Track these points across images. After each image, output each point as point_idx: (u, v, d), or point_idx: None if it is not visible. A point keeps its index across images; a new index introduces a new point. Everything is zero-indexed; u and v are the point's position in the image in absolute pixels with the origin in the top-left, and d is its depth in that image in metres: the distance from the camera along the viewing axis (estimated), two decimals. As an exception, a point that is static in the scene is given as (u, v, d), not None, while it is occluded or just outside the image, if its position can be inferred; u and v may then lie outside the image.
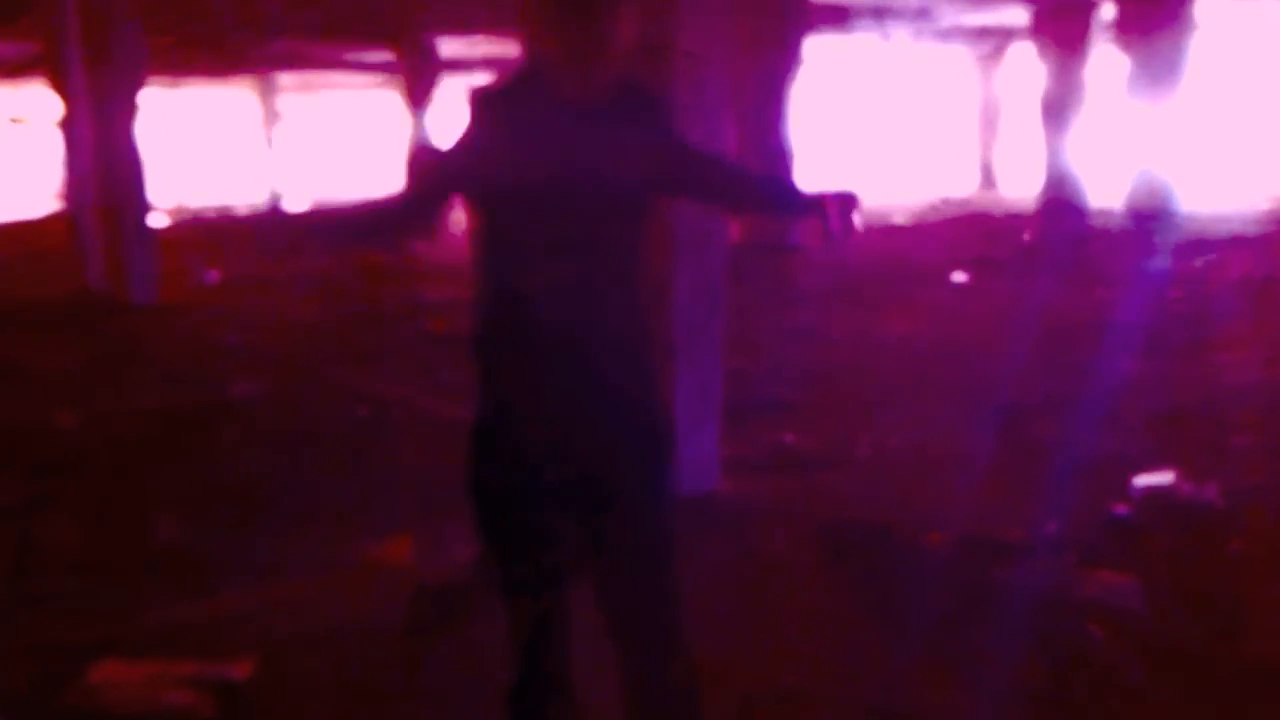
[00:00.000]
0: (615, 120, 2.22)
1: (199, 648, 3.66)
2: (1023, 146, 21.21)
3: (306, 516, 4.97)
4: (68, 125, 12.69)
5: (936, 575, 4.13)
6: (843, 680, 3.43)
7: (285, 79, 25.75)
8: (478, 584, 3.83)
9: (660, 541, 2.31)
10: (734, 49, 5.99)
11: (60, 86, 12.64)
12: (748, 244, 12.72)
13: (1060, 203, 14.91)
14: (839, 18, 16.04)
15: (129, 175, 11.37)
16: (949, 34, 20.09)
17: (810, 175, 16.15)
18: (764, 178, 2.76)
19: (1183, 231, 13.01)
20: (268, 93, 26.79)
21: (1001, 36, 21.19)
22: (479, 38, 17.91)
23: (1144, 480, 4.94)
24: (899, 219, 18.63)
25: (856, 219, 2.32)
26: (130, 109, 11.37)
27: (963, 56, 24.42)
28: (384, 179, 26.91)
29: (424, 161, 2.52)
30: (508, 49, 16.98)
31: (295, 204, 23.98)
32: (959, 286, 11.62)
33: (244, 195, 27.00)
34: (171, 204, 23.47)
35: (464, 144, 2.19)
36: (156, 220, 12.47)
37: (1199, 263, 11.67)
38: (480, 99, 2.21)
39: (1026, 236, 15.03)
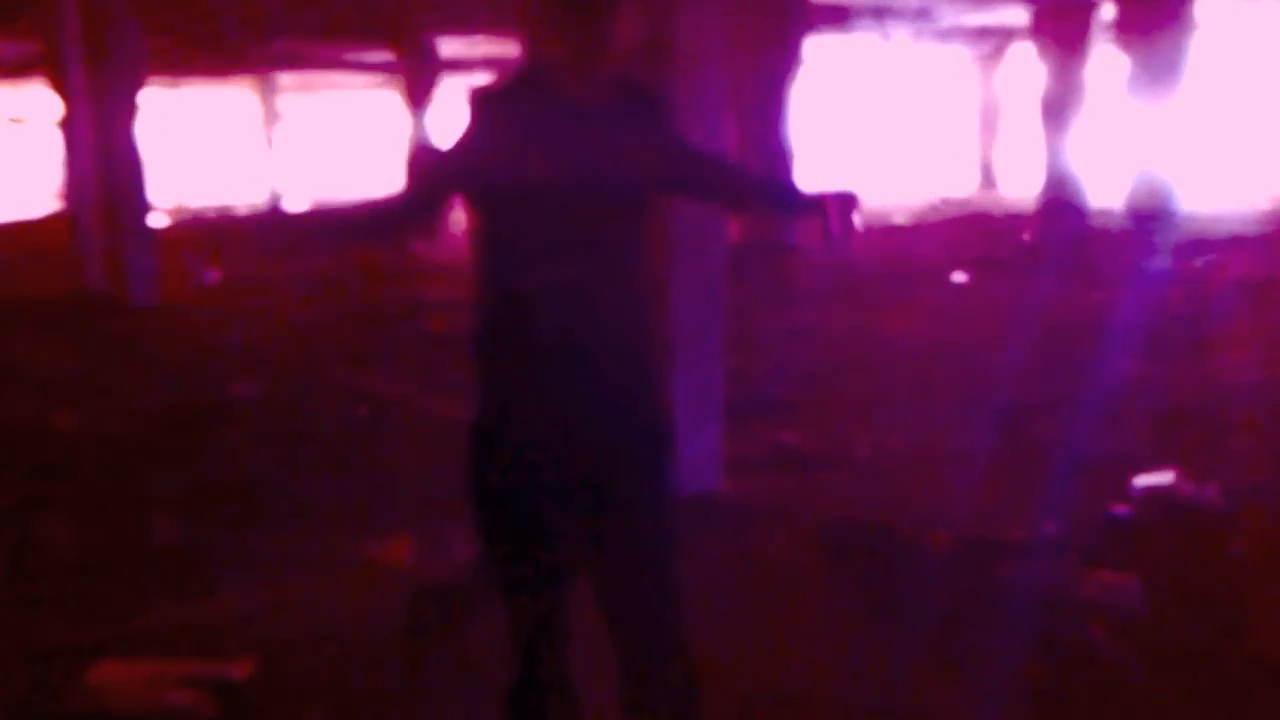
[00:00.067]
0: (615, 120, 2.22)
1: (199, 648, 3.66)
2: (1023, 146, 21.22)
3: (306, 516, 4.97)
4: (67, 125, 12.68)
5: (936, 575, 4.13)
6: (843, 680, 3.43)
7: (285, 79, 25.76)
8: (477, 584, 3.83)
9: (660, 541, 2.31)
10: (734, 49, 5.98)
11: (60, 86, 12.64)
12: (748, 244, 12.72)
13: (1060, 203, 14.91)
14: (839, 18, 16.04)
15: (129, 175, 11.37)
16: (949, 34, 20.10)
17: (810, 175, 16.15)
18: (764, 177, 2.77)
19: (1183, 232, 13.01)
20: (268, 93, 26.79)
21: (1001, 36, 21.19)
22: (479, 38, 17.92)
23: (1144, 480, 4.94)
24: (899, 219, 18.64)
25: (856, 219, 2.32)
26: (130, 109, 11.37)
27: (963, 56, 24.43)
28: (384, 179, 26.92)
29: (424, 161, 2.52)
30: (508, 49, 17.00)
31: (295, 204, 23.99)
32: (959, 286, 11.62)
33: (244, 195, 27.01)
34: (171, 204, 23.47)
35: (464, 144, 2.19)
36: (156, 220, 12.47)
37: (1199, 263, 11.67)
38: (480, 99, 2.21)
39: (1026, 236, 15.03)
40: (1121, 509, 4.68)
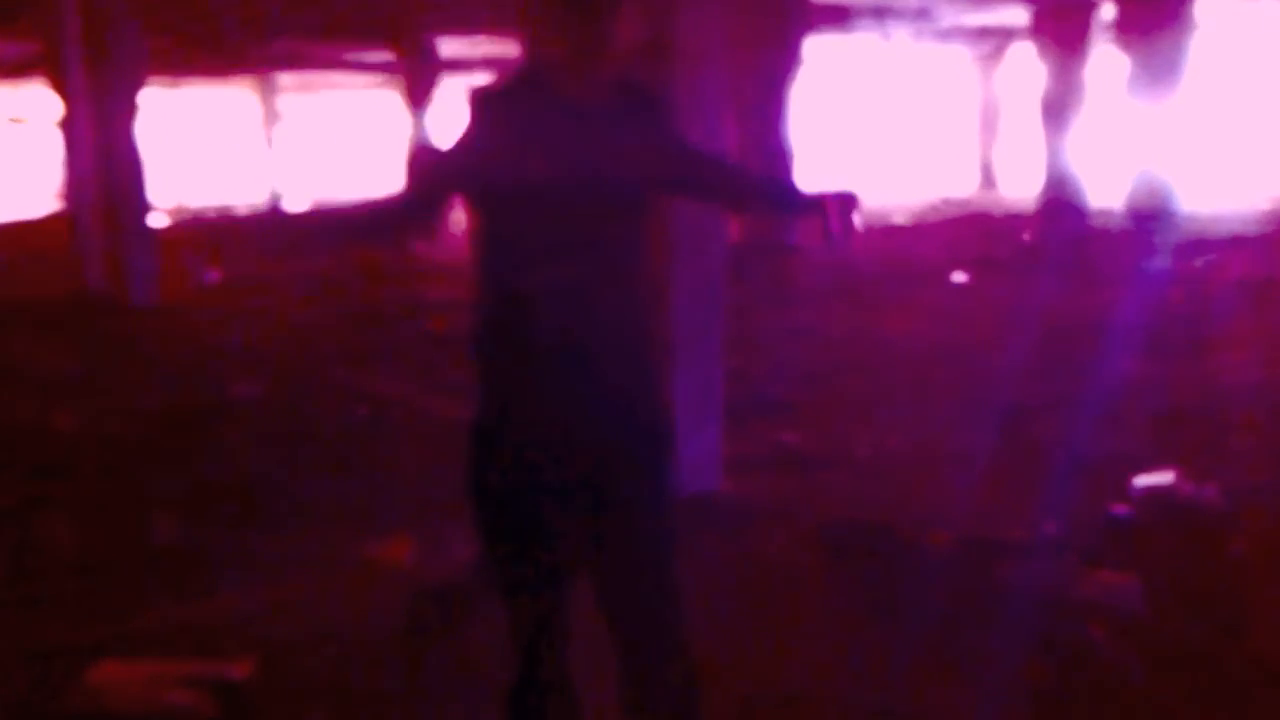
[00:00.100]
0: (615, 120, 2.22)
1: (199, 648, 3.66)
2: (1023, 147, 21.21)
3: (306, 516, 4.97)
4: (67, 125, 12.68)
5: (936, 575, 4.13)
6: (843, 680, 3.43)
7: (285, 79, 25.76)
8: (477, 584, 3.83)
9: (660, 541, 2.31)
10: (734, 49, 5.98)
11: (60, 86, 12.64)
12: (748, 244, 12.72)
13: (1060, 203, 14.91)
14: (839, 18, 16.04)
15: (129, 175, 11.37)
16: (949, 34, 20.09)
17: (810, 175, 16.15)
18: (764, 178, 2.77)
19: (1183, 232, 13.01)
20: (268, 93, 26.79)
21: (1001, 36, 21.19)
22: (479, 37, 17.92)
23: (1144, 480, 4.94)
24: (899, 219, 18.64)
25: (857, 219, 2.32)
26: (130, 109, 11.37)
27: (963, 56, 24.42)
28: (384, 178, 26.92)
29: (424, 162, 2.52)
30: (508, 49, 16.99)
31: (295, 204, 23.98)
32: (959, 286, 11.62)
33: (244, 195, 27.01)
34: (171, 204, 23.47)
35: (464, 144, 2.19)
36: (156, 220, 12.47)
37: (1199, 263, 11.67)
38: (480, 98, 2.21)
39: (1026, 237, 15.03)
40: (1121, 509, 4.68)
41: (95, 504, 5.21)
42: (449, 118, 21.42)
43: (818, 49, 18.31)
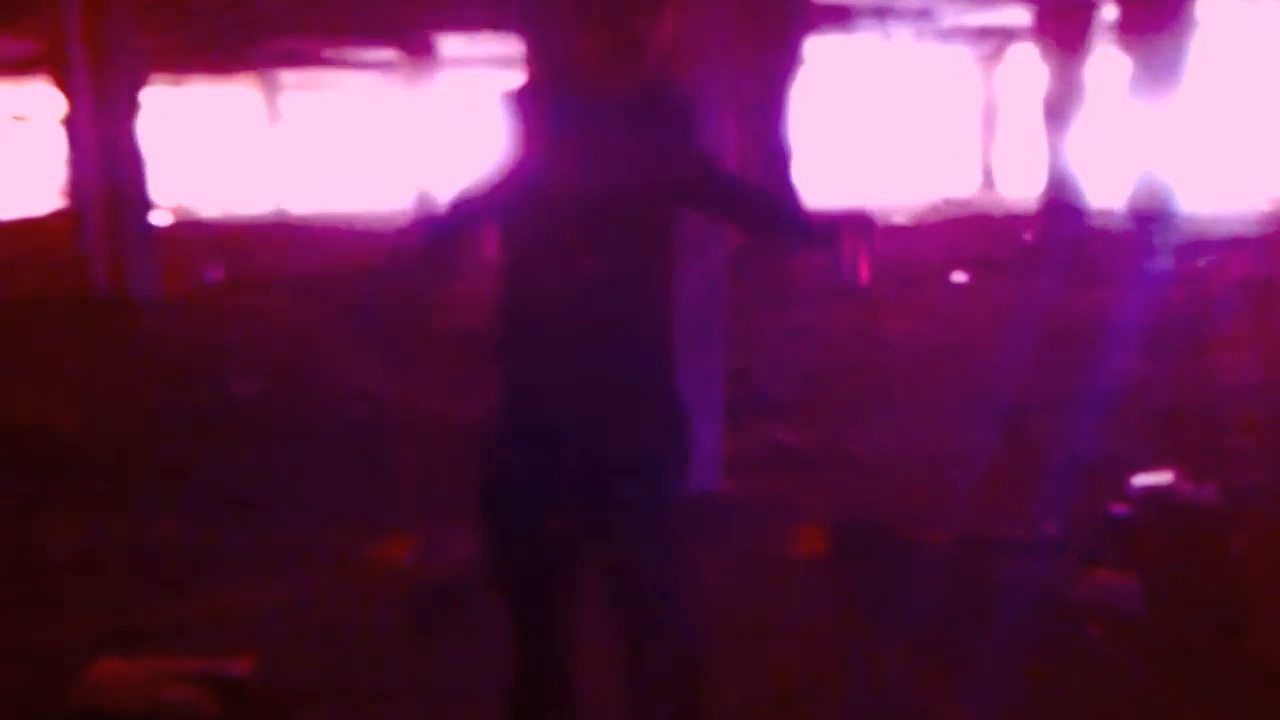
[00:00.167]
0: (643, 119, 2.20)
1: (199, 647, 3.66)
2: (1024, 147, 21.20)
3: (306, 516, 4.97)
4: (70, 123, 12.70)
5: (936, 575, 4.13)
6: (842, 680, 3.43)
7: (288, 77, 25.75)
8: (478, 583, 3.83)
9: (668, 544, 2.30)
10: (734, 48, 5.97)
11: (63, 84, 12.65)
12: (748, 244, 12.69)
13: (1061, 203, 14.91)
14: (840, 18, 16.04)
15: (131, 173, 11.38)
16: (950, 34, 20.09)
17: (810, 175, 16.13)
18: (780, 204, 2.73)
19: (1183, 232, 13.01)
20: (270, 91, 26.78)
21: (1003, 37, 21.18)
22: (481, 36, 17.92)
23: (1143, 480, 4.94)
24: (899, 219, 18.63)
25: (872, 245, 2.29)
26: (132, 107, 11.38)
27: (964, 57, 24.41)
28: (383, 178, 26.92)
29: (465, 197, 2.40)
30: (510, 47, 16.98)
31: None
32: (959, 286, 11.62)
33: (245, 194, 27.00)
34: (174, 202, 23.46)
35: (502, 151, 2.17)
36: (159, 218, 12.48)
37: (1200, 263, 11.67)
38: (509, 100, 2.20)
39: (1027, 237, 15.02)
40: (1121, 509, 4.68)
41: (96, 503, 5.21)
42: (450, 117, 21.46)
43: (818, 49, 18.30)
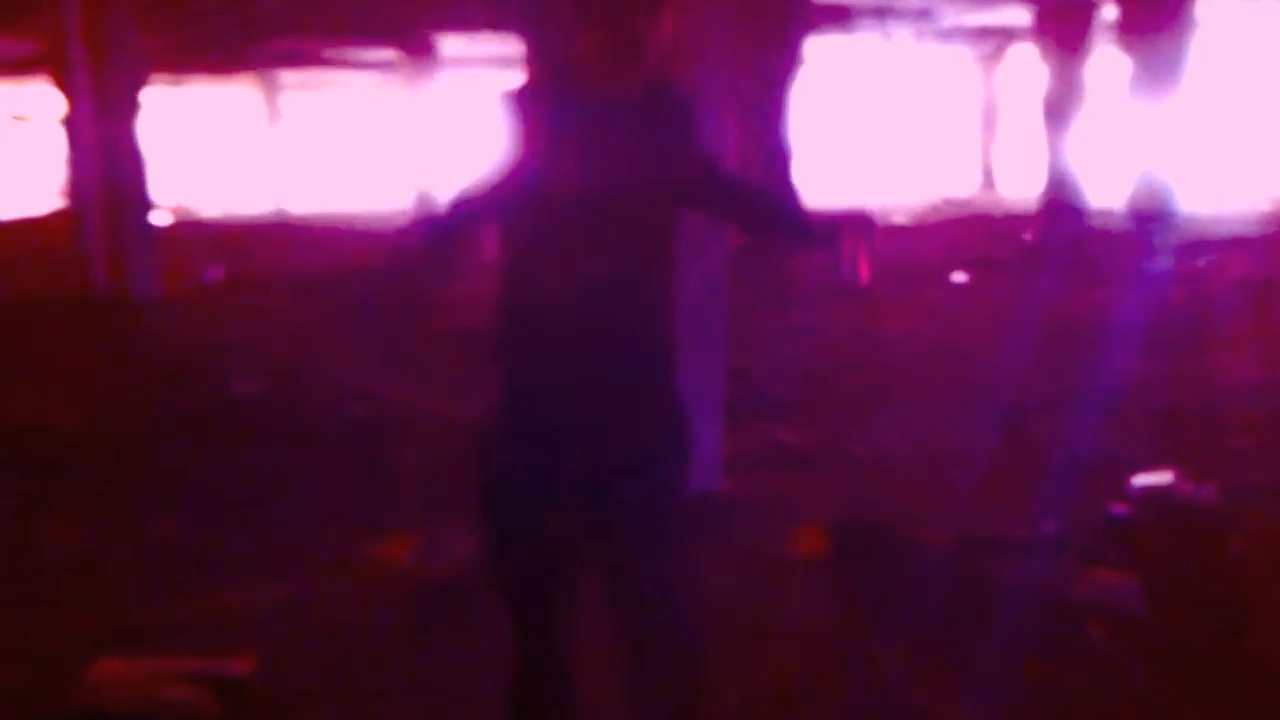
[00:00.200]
0: (644, 119, 2.21)
1: (199, 647, 3.66)
2: (1024, 147, 21.20)
3: (306, 516, 4.97)
4: (70, 123, 12.70)
5: (936, 575, 4.13)
6: (842, 680, 3.43)
7: (288, 77, 25.76)
8: (478, 584, 3.83)
9: (669, 544, 2.30)
10: (734, 48, 5.98)
11: (63, 84, 12.65)
12: (748, 244, 12.69)
13: (1061, 203, 14.90)
14: (840, 18, 16.04)
15: (131, 173, 11.38)
16: (950, 34, 20.09)
17: (810, 175, 16.13)
18: (781, 204, 2.72)
19: (1183, 232, 13.01)
20: (270, 91, 26.78)
21: (1003, 37, 21.18)
22: (481, 36, 17.92)
23: (1143, 480, 4.94)
24: (899, 219, 18.62)
25: (872, 245, 2.29)
26: (132, 107, 11.39)
27: (964, 57, 24.41)
28: (383, 178, 26.92)
29: (466, 195, 2.39)
30: (510, 47, 16.99)
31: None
32: (959, 286, 11.62)
33: (245, 194, 27.00)
34: (174, 202, 23.46)
35: (503, 149, 2.17)
36: (159, 218, 12.48)
37: (1200, 263, 11.67)
38: (509, 100, 2.20)
39: (1027, 237, 15.02)
40: (1120, 509, 4.68)
41: (96, 503, 5.21)
42: (450, 117, 21.46)
43: (818, 49, 18.30)
